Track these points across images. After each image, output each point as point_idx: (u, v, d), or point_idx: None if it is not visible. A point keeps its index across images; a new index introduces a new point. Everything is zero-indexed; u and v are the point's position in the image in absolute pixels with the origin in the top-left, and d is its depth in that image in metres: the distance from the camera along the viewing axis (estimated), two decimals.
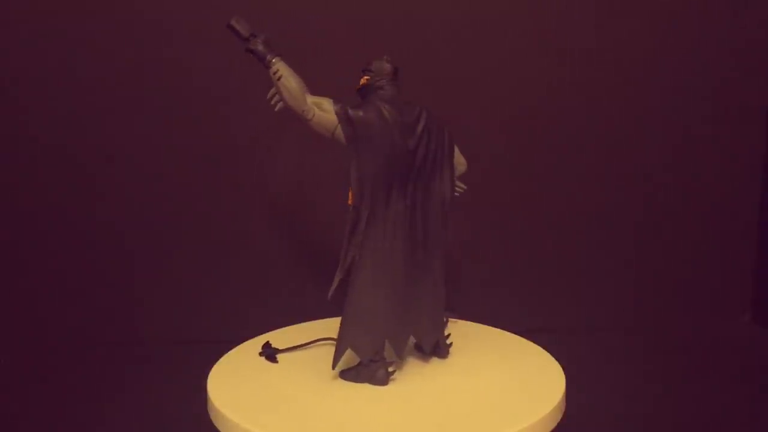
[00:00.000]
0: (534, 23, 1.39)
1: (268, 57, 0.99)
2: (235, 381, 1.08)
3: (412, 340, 1.12)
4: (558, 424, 1.02)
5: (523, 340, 1.23)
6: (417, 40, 1.34)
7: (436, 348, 1.14)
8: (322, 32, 1.35)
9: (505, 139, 1.41)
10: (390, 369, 1.06)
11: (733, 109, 1.44)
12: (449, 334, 1.18)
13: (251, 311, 1.36)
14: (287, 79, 0.99)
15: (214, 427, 1.02)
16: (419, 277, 1.08)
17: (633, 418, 1.12)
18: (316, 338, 1.19)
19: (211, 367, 1.13)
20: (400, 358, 1.09)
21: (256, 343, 1.22)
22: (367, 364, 1.05)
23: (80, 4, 1.33)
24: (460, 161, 1.13)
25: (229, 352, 1.18)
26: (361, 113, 1.01)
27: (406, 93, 1.06)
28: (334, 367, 1.05)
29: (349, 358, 1.07)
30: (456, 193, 1.14)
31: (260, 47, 0.99)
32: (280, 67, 0.99)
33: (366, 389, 1.05)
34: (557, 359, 1.15)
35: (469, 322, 1.28)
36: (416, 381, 1.08)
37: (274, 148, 1.38)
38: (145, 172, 1.38)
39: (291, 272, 1.41)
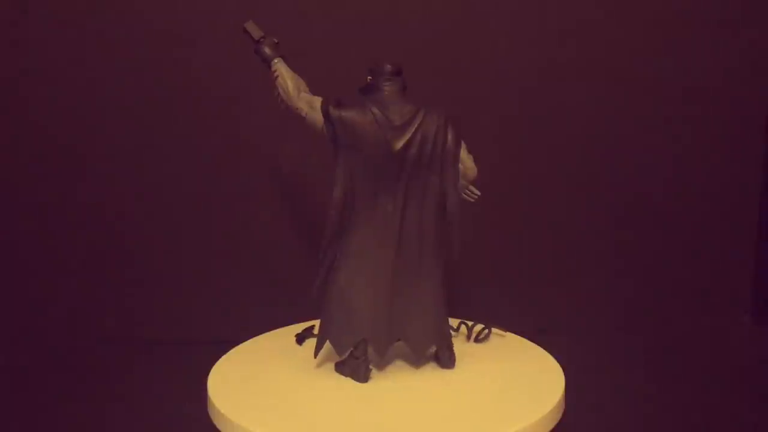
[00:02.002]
0: (532, 23, 1.39)
1: (270, 58, 1.06)
2: (235, 381, 1.08)
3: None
4: (557, 423, 1.02)
5: (523, 340, 1.23)
6: (416, 41, 1.34)
7: (437, 358, 1.12)
8: (335, 30, 1.34)
9: (504, 139, 1.41)
10: (370, 367, 1.07)
11: (732, 109, 1.44)
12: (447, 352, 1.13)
13: (251, 311, 1.36)
14: (283, 78, 1.05)
15: (214, 427, 1.02)
16: (412, 280, 1.06)
17: (633, 418, 1.12)
18: None
19: (211, 367, 1.13)
20: (380, 357, 1.08)
21: (256, 343, 1.22)
22: (349, 359, 1.07)
23: (84, 2, 1.33)
24: (467, 165, 1.08)
25: (229, 352, 1.18)
26: (341, 112, 1.03)
27: (412, 93, 1.06)
28: (315, 356, 1.09)
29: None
30: (471, 200, 1.12)
31: (266, 49, 1.06)
32: (278, 68, 1.06)
33: (367, 389, 1.05)
34: (557, 359, 1.15)
35: (482, 326, 1.28)
36: (416, 380, 1.08)
37: (276, 147, 1.38)
38: (146, 172, 1.38)
39: (292, 272, 1.41)
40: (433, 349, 1.11)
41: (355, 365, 1.07)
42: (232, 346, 1.20)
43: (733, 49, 1.41)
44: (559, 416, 1.03)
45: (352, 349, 1.07)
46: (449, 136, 1.05)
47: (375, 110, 1.03)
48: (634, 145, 1.43)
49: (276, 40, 1.06)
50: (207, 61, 1.35)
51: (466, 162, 1.08)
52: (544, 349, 1.18)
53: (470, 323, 1.24)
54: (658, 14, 1.40)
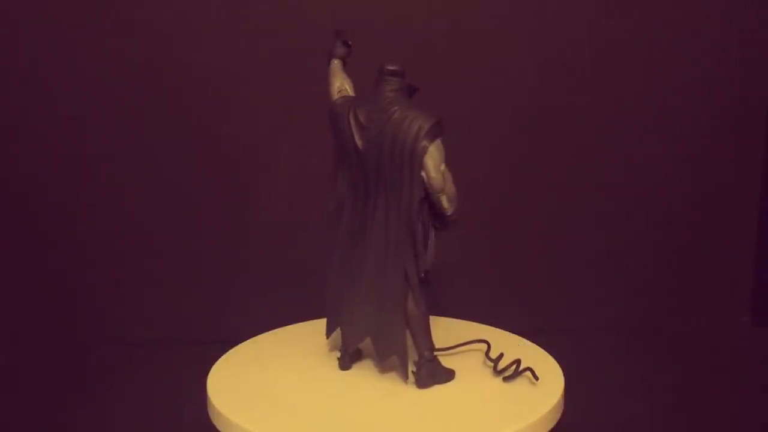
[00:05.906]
0: (530, 23, 1.39)
1: (331, 56, 1.13)
2: (235, 381, 1.08)
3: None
4: (557, 424, 1.02)
5: (523, 340, 1.23)
6: (418, 40, 1.35)
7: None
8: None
9: (503, 139, 1.41)
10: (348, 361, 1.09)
11: (733, 109, 1.44)
12: (419, 369, 1.03)
13: (251, 311, 1.36)
14: (332, 75, 1.10)
15: (214, 427, 1.02)
16: (386, 287, 1.03)
17: (633, 418, 1.12)
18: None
19: (211, 367, 1.13)
20: (347, 352, 1.09)
21: (255, 343, 1.22)
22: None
23: (83, 3, 1.33)
24: (429, 175, 0.96)
25: (228, 352, 1.18)
26: (334, 108, 1.05)
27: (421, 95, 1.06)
28: (327, 337, 1.12)
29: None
30: (444, 212, 0.99)
31: (336, 51, 1.13)
32: (333, 66, 1.11)
33: (368, 389, 1.05)
34: (557, 359, 1.15)
35: (468, 322, 1.28)
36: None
37: (274, 148, 1.38)
38: (146, 173, 1.38)
39: (292, 272, 1.41)
40: (395, 360, 1.04)
41: (340, 356, 1.09)
42: (232, 346, 1.20)
43: (733, 49, 1.41)
44: (558, 416, 1.03)
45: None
46: (416, 140, 0.97)
47: (354, 108, 1.03)
48: (634, 144, 1.43)
49: (350, 43, 1.12)
50: (207, 62, 1.35)
51: (429, 171, 0.97)
52: (544, 349, 1.18)
53: (510, 366, 1.07)
54: (657, 14, 1.40)
